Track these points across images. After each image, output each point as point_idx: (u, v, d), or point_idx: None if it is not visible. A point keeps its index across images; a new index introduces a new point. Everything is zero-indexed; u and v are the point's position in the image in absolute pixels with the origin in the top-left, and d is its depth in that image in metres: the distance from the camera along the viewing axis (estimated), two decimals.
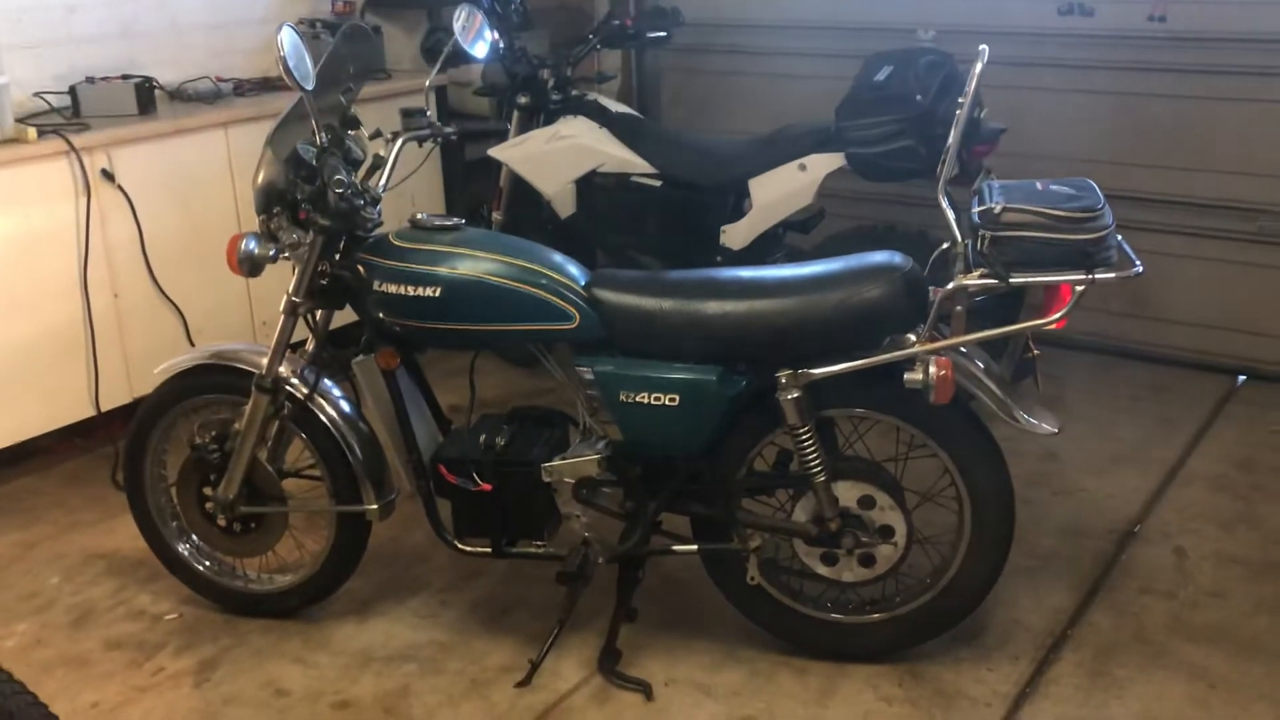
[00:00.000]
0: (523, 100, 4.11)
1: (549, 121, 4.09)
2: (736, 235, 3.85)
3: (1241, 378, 4.24)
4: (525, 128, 4.13)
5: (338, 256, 2.67)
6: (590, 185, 4.01)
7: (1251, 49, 4.01)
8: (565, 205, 4.06)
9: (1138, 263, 2.36)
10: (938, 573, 2.69)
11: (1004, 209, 2.32)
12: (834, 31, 4.75)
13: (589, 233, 4.11)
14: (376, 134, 2.70)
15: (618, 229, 4.06)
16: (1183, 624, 2.88)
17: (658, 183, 3.94)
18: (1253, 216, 4.13)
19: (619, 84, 5.15)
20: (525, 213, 4.24)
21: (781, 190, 3.74)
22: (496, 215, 4.27)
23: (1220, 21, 4.03)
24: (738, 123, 4.93)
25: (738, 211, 3.87)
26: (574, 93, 4.13)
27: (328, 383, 2.81)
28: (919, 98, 3.44)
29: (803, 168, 3.68)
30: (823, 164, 3.65)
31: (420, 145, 2.89)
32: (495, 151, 4.08)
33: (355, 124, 2.63)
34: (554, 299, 2.57)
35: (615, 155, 3.95)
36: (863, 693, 2.68)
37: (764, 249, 3.89)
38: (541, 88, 4.09)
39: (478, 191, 4.47)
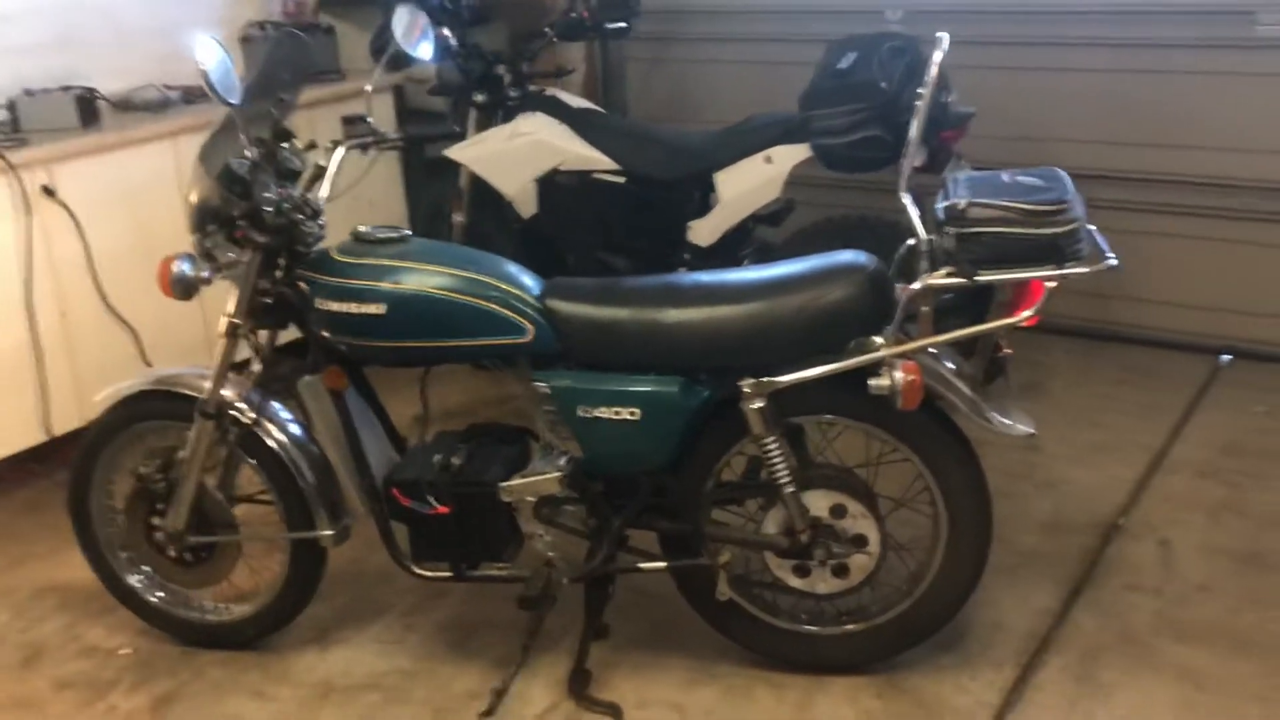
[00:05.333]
0: (479, 98, 3.99)
1: (508, 119, 3.97)
2: (704, 231, 3.74)
3: (1225, 358, 4.16)
4: (484, 126, 4.01)
5: (278, 274, 2.55)
6: (552, 184, 3.89)
7: (1223, 22, 3.90)
8: (527, 205, 3.94)
9: (1111, 255, 2.26)
10: (914, 580, 2.60)
11: (969, 204, 2.22)
12: (800, 15, 4.64)
13: (553, 233, 4.00)
14: (312, 145, 2.58)
15: (583, 228, 3.94)
16: (1170, 622, 2.79)
17: (621, 179, 3.83)
18: (1234, 193, 4.04)
19: (583, 77, 5.03)
20: (488, 214, 4.12)
21: (748, 183, 3.63)
22: (458, 218, 4.15)
23: None
24: (708, 112, 4.81)
25: (704, 206, 3.76)
26: (532, 88, 4.01)
27: (275, 405, 2.70)
28: (884, 85, 3.33)
29: (768, 160, 3.58)
30: (789, 156, 3.55)
31: (364, 152, 2.77)
32: (452, 152, 3.96)
33: (288, 135, 2.50)
34: (506, 312, 2.46)
35: (576, 152, 3.83)
36: (841, 707, 2.58)
37: (734, 244, 3.79)
38: (498, 84, 3.97)
39: (439, 194, 4.35)
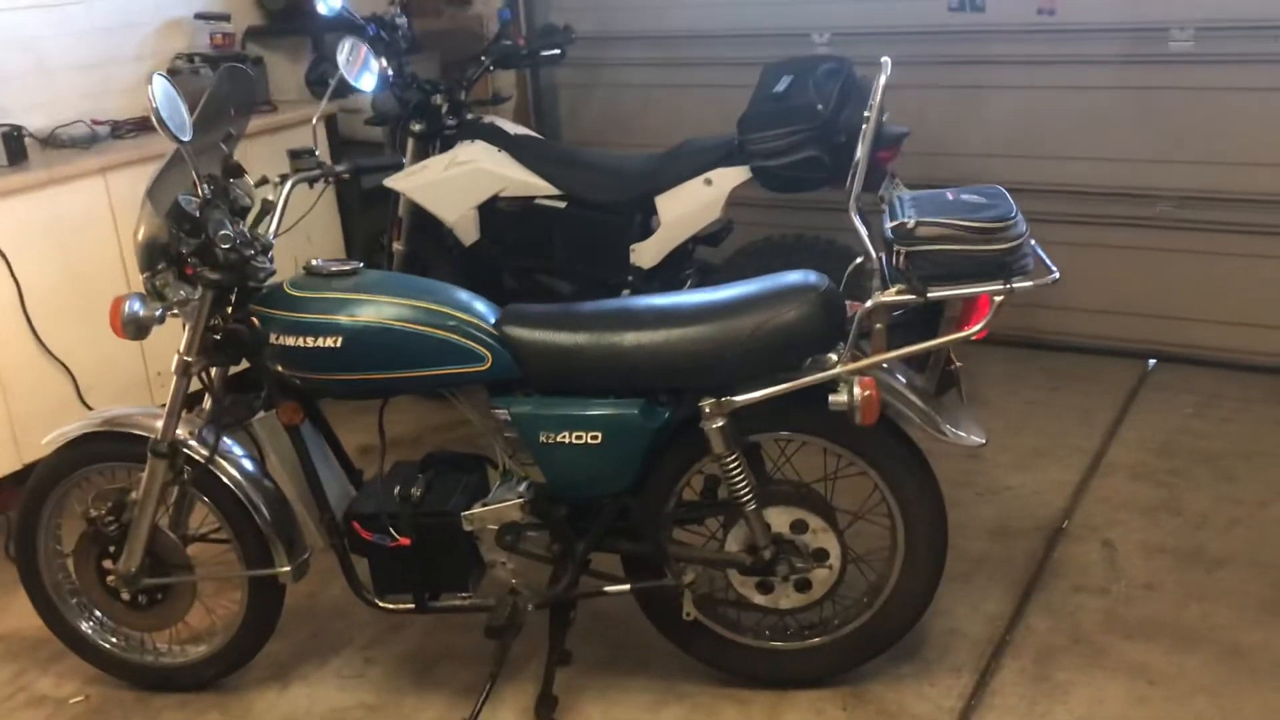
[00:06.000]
0: (417, 127, 3.99)
1: (445, 148, 3.98)
2: (646, 253, 3.78)
3: (1152, 361, 4.30)
4: (421, 155, 4.01)
5: (230, 310, 2.53)
6: (493, 211, 3.91)
7: (1139, 38, 4.05)
8: (468, 232, 3.95)
9: (1054, 269, 2.34)
10: (874, 591, 2.65)
11: (917, 223, 2.27)
12: (727, 39, 4.71)
13: (496, 259, 4.00)
14: (263, 181, 2.56)
15: (525, 253, 3.96)
16: (1118, 620, 2.87)
17: (563, 204, 3.86)
18: (1151, 202, 4.19)
19: (515, 104, 5.04)
20: (427, 242, 4.12)
21: (689, 206, 3.68)
22: (397, 246, 4.14)
23: (1107, 12, 4.07)
24: (639, 137, 4.85)
25: (646, 229, 3.80)
26: (470, 116, 4.03)
27: (228, 442, 2.66)
28: (820, 107, 3.40)
29: (708, 182, 3.63)
30: (728, 178, 3.61)
31: (311, 186, 2.76)
32: (392, 181, 3.95)
33: (238, 171, 2.48)
34: (463, 340, 2.47)
35: (517, 178, 3.85)
36: None
37: (675, 265, 3.84)
38: (435, 113, 3.97)
39: (376, 224, 4.33)
